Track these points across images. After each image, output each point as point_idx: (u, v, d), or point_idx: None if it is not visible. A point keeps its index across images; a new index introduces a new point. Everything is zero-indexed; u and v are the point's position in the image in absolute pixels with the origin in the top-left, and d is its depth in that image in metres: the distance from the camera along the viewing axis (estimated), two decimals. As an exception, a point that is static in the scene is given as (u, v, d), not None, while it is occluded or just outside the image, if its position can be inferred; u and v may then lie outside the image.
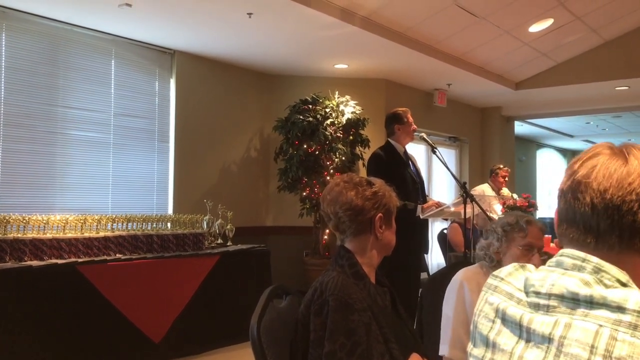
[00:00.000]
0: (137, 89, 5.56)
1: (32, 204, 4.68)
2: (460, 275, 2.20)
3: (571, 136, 12.38)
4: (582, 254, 0.87)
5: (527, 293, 0.90)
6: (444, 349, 2.14)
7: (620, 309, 0.78)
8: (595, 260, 0.86)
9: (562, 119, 10.16)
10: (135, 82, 5.54)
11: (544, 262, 2.17)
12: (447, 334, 2.14)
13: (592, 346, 0.77)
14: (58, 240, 3.87)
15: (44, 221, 3.87)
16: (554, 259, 0.91)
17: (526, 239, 2.13)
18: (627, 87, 7.44)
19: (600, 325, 0.78)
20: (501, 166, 6.33)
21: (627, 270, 0.85)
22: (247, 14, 4.75)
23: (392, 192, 1.84)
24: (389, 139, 4.28)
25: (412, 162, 4.28)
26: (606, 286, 0.82)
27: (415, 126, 4.28)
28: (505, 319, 0.90)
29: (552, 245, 4.98)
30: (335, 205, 1.76)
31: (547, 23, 6.14)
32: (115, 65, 5.37)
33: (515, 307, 0.90)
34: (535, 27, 6.19)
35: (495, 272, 0.99)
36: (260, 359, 1.56)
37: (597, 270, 0.85)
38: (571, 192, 0.89)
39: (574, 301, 0.83)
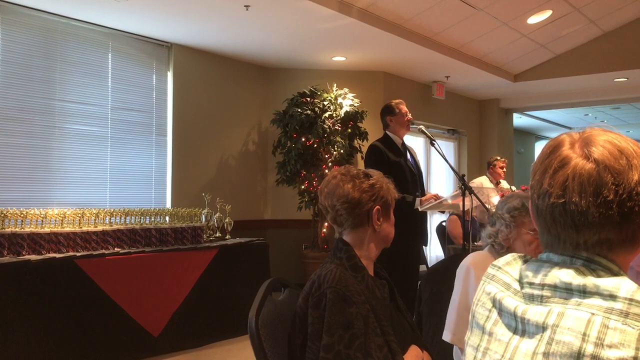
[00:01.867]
0: (134, 82, 5.53)
1: (30, 198, 4.67)
2: (468, 260, 2.16)
3: (570, 128, 12.27)
4: (570, 253, 0.88)
5: (521, 284, 0.90)
6: (446, 335, 2.12)
7: (612, 297, 0.79)
8: (584, 255, 0.87)
9: (561, 111, 10.14)
10: (132, 76, 5.52)
11: None
12: (450, 320, 2.12)
13: (584, 334, 0.77)
14: (56, 234, 3.87)
15: (42, 215, 3.86)
16: (543, 255, 0.92)
17: None
18: (625, 79, 7.43)
19: (593, 314, 0.79)
20: (498, 158, 6.32)
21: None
22: (244, 6, 4.73)
23: (390, 184, 1.82)
24: (386, 132, 4.26)
25: (410, 154, 4.27)
26: (599, 276, 0.83)
27: (409, 116, 4.23)
28: (501, 310, 0.91)
29: None
30: (333, 198, 1.75)
31: (545, 14, 6.11)
32: (112, 59, 5.35)
33: (511, 298, 0.90)
34: (534, 19, 6.16)
35: (495, 262, 0.99)
36: (259, 352, 1.56)
37: (589, 263, 0.86)
38: (550, 215, 0.88)
39: (567, 291, 0.83)
